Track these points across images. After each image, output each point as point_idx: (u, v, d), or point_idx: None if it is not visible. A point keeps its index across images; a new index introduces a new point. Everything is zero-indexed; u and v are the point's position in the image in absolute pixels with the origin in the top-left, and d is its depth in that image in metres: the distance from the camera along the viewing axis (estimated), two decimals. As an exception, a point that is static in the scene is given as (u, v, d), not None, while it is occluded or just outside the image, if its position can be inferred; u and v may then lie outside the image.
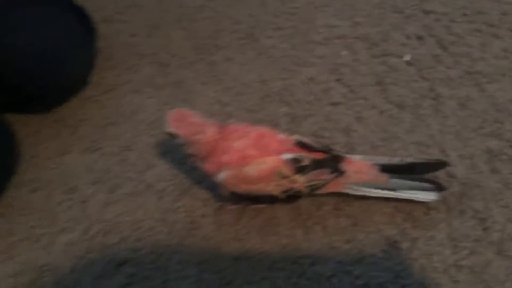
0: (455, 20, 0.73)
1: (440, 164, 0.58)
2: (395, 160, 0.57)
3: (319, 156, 0.54)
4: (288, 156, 0.52)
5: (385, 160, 0.57)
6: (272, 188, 0.53)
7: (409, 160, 0.57)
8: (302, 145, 0.54)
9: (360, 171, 0.55)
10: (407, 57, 0.71)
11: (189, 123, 0.51)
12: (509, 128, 0.62)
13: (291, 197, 0.55)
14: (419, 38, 0.73)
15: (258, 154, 0.52)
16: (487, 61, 0.69)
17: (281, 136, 0.54)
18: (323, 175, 0.53)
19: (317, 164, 0.53)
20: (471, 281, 0.52)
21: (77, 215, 0.61)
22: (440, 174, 0.59)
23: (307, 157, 0.53)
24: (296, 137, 0.55)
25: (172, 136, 0.52)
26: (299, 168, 0.52)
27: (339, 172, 0.54)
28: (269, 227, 0.58)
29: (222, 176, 0.53)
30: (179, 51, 0.77)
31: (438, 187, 0.56)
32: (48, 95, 0.68)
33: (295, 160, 0.52)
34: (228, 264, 0.56)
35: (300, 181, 0.53)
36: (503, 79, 0.67)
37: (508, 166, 0.59)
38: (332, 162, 0.54)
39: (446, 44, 0.71)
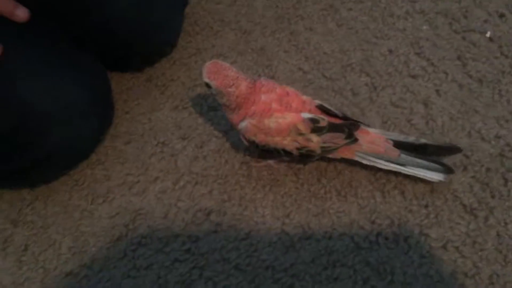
0: (540, -1, 0.74)
1: (453, 149, 0.60)
2: (410, 139, 0.59)
3: (336, 121, 0.57)
4: (307, 115, 0.56)
5: (400, 137, 0.60)
6: (288, 142, 0.56)
7: (423, 140, 0.59)
8: (322, 109, 0.57)
9: (373, 142, 0.58)
10: (488, 34, 0.72)
11: (224, 76, 0.54)
12: None
13: (304, 156, 0.58)
14: (501, 15, 0.73)
15: (280, 109, 0.55)
16: None
17: (305, 97, 0.58)
18: (337, 139, 0.56)
19: (333, 128, 0.56)
20: (548, 250, 0.54)
21: (167, 166, 0.66)
22: (520, 148, 0.61)
23: (324, 119, 0.56)
24: (318, 101, 0.58)
25: (207, 85, 0.55)
26: (316, 128, 0.56)
27: (353, 139, 0.57)
28: (348, 189, 0.61)
29: (245, 123, 0.57)
30: (261, 20, 0.80)
31: (447, 170, 0.58)
32: (142, 55, 0.72)
33: (313, 120, 0.56)
34: (310, 219, 0.59)
35: (315, 141, 0.56)
36: None
37: None
38: (347, 128, 0.57)
39: (529, 22, 0.72)
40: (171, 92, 0.73)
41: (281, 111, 0.55)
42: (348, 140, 0.56)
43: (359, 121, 0.59)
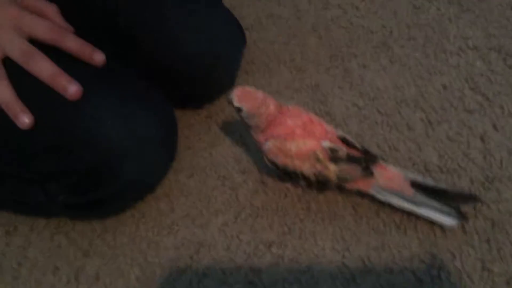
0: None
1: (471, 198, 0.61)
2: (429, 181, 0.61)
3: (355, 153, 0.60)
4: (327, 144, 0.59)
5: (419, 177, 0.61)
6: (306, 168, 0.60)
7: (443, 186, 0.60)
8: (343, 140, 0.60)
9: (390, 178, 0.60)
10: (544, 69, 0.72)
11: (254, 98, 0.59)
12: None
13: (321, 183, 0.61)
14: (557, 50, 0.74)
15: (303, 135, 0.59)
16: None
17: (328, 127, 0.61)
18: (354, 170, 0.59)
19: (350, 159, 0.59)
20: None
21: (229, 199, 0.69)
22: None
23: (343, 150, 0.59)
24: (341, 133, 0.61)
25: (239, 109, 0.60)
26: (334, 157, 0.59)
27: (369, 172, 0.59)
28: (407, 223, 0.62)
29: (268, 144, 0.60)
30: (315, 58, 0.83)
31: (461, 216, 0.58)
32: (204, 93, 0.76)
33: (332, 150, 0.59)
34: (369, 253, 0.60)
35: (332, 169, 0.59)
36: None
37: None
38: (365, 161, 0.59)
39: None
40: (230, 128, 0.76)
41: (303, 137, 0.59)
42: (364, 173, 0.59)
43: (377, 156, 0.61)
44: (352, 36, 0.84)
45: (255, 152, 0.72)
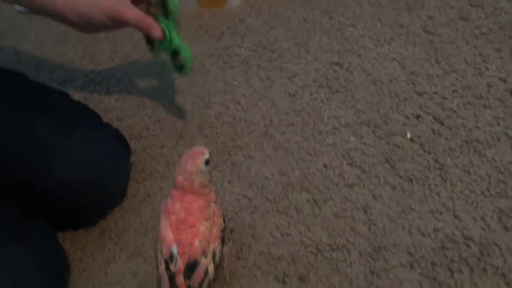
0: (446, 97, 0.81)
1: None
2: None
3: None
4: (174, 250, 0.57)
5: None
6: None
7: None
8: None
9: None
10: (409, 135, 0.78)
11: (187, 161, 0.63)
12: (513, 187, 0.68)
13: None
14: (417, 116, 0.81)
15: (174, 226, 0.58)
16: (482, 129, 0.76)
17: (197, 244, 0.58)
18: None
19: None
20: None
21: (127, 318, 0.66)
22: (457, 238, 0.64)
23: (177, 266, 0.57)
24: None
25: None
26: (167, 266, 0.57)
27: None
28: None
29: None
30: (203, 156, 0.85)
31: None
32: (93, 210, 0.75)
33: (166, 261, 0.57)
34: None
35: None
36: (499, 144, 0.73)
37: (518, 222, 0.64)
38: None
39: (442, 118, 0.79)
40: (124, 242, 0.75)
41: (171, 226, 0.58)
42: None
43: None
44: (236, 130, 0.88)
45: (151, 262, 0.71)
